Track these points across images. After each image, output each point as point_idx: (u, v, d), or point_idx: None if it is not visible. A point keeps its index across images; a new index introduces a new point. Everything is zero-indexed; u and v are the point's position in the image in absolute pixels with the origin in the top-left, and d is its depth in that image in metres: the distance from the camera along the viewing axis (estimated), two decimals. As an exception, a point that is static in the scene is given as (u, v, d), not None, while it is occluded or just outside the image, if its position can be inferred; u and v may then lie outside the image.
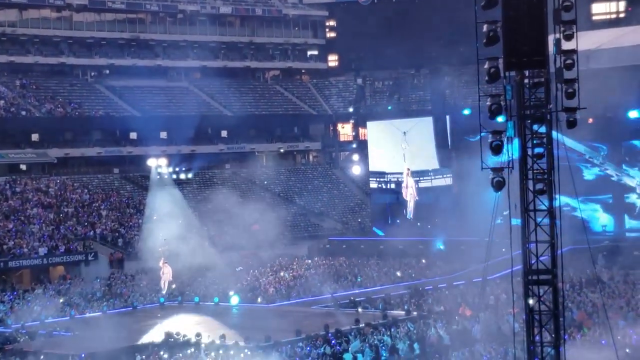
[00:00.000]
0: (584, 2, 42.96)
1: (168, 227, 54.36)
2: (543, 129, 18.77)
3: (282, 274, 51.86)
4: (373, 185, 66.66)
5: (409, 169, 63.14)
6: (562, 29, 18.79)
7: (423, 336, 33.85)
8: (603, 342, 28.89)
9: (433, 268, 52.65)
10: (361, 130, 77.95)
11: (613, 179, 54.90)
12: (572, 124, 19.03)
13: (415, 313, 38.67)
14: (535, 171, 18.72)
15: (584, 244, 28.68)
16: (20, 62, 73.24)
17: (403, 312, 39.14)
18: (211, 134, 77.01)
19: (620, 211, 54.78)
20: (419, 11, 76.42)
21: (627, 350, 28.31)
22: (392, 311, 39.72)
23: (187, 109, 77.00)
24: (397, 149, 63.52)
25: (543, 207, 18.73)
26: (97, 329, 38.29)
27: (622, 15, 65.37)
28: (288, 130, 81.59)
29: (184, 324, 37.64)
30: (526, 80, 18.80)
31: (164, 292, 46.44)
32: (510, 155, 18.82)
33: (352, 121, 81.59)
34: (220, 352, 32.50)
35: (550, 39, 18.66)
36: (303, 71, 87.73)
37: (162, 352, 32.74)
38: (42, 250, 55.64)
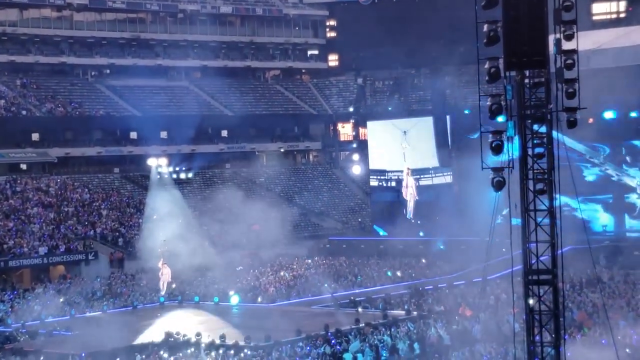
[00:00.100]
0: (584, 2, 42.91)
1: (168, 227, 54.37)
2: (543, 129, 18.77)
3: (282, 273, 51.87)
4: (373, 183, 66.68)
5: (409, 169, 63.20)
6: (562, 28, 18.79)
7: (423, 336, 33.86)
8: (603, 342, 28.90)
9: (433, 268, 52.67)
10: (361, 130, 78.00)
11: (613, 179, 54.93)
12: (572, 124, 19.03)
13: (415, 313, 38.70)
14: (535, 171, 18.72)
15: (585, 244, 28.67)
16: (20, 62, 73.23)
17: (403, 312, 39.17)
18: (211, 133, 77.01)
19: (621, 211, 54.81)
20: (420, 11, 76.38)
21: (627, 350, 28.30)
22: (392, 311, 39.74)
23: (188, 108, 76.99)
24: (397, 148, 63.59)
25: (543, 207, 18.73)
26: (97, 328, 38.30)
27: (622, 15, 65.33)
28: (288, 130, 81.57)
29: (184, 324, 37.66)
30: (526, 80, 18.80)
31: (162, 292, 46.43)
32: (510, 155, 18.81)
33: (352, 121, 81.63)
34: (220, 351, 32.51)
35: (551, 38, 18.66)
36: (303, 71, 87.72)
37: (162, 352, 32.74)
38: (43, 250, 55.65)
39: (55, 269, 55.71)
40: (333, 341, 32.87)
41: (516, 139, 18.77)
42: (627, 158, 54.70)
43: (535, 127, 18.81)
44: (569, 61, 18.77)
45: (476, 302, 37.81)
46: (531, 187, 18.73)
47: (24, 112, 69.29)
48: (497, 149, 18.73)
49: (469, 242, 49.39)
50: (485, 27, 18.53)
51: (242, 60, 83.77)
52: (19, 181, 64.20)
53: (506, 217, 19.07)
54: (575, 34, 18.75)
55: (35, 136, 68.47)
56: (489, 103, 18.77)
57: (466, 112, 59.09)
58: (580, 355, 26.01)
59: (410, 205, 63.39)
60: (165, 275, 46.82)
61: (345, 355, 31.52)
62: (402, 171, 63.55)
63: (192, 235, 57.01)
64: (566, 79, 18.78)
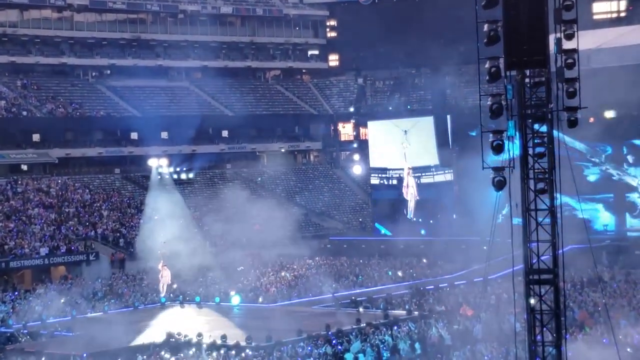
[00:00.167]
0: (584, 2, 42.95)
1: (167, 228, 54.40)
2: (544, 128, 18.76)
3: (283, 273, 51.88)
4: (374, 181, 66.66)
5: (410, 168, 63.18)
6: (563, 28, 18.78)
7: (424, 336, 33.87)
8: (605, 341, 28.90)
9: (434, 268, 52.68)
10: (362, 130, 78.02)
11: (614, 178, 54.93)
12: (573, 123, 19.02)
13: (416, 313, 38.70)
14: (536, 170, 18.71)
15: (586, 244, 28.66)
16: (21, 63, 73.24)
17: (404, 312, 39.16)
18: (212, 134, 77.01)
19: (622, 210, 54.81)
20: (420, 11, 76.35)
21: (629, 350, 28.30)
22: (393, 311, 39.73)
23: (188, 109, 77.01)
24: (398, 148, 63.59)
25: (544, 207, 18.72)
26: (98, 329, 38.31)
27: (623, 14, 65.32)
28: (289, 130, 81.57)
29: (186, 324, 37.66)
30: (527, 80, 18.80)
31: (162, 295, 46.40)
32: (511, 155, 18.79)
33: (352, 121, 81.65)
34: (222, 352, 32.52)
35: (551, 38, 18.65)
36: (304, 71, 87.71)
37: (163, 352, 32.75)
38: (44, 251, 55.66)
39: (56, 270, 55.71)
40: (334, 341, 32.87)
41: (517, 139, 18.78)
42: (628, 157, 54.71)
43: (536, 126, 18.81)
44: (570, 60, 18.77)
45: (477, 301, 37.81)
46: (532, 187, 18.73)
47: (24, 113, 69.31)
48: (498, 149, 18.72)
49: (470, 242, 49.42)
50: (486, 27, 18.53)
51: (242, 60, 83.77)
52: (19, 182, 64.22)
53: (507, 216, 19.06)
54: (576, 33, 18.75)
55: (35, 137, 68.49)
56: (489, 103, 18.76)
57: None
58: (581, 355, 26.00)
59: (411, 205, 63.39)
60: (165, 277, 46.79)
61: (347, 356, 31.52)
62: (402, 169, 63.55)
63: (192, 236, 57.07)
64: (567, 79, 18.78)
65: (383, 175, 65.36)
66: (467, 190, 55.83)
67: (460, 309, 37.81)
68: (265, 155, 79.43)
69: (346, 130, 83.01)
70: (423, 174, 62.79)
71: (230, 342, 33.52)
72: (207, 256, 55.67)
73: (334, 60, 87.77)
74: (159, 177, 63.84)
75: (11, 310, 44.13)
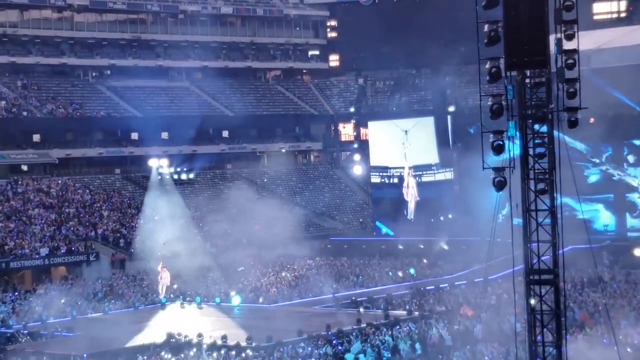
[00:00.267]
0: (585, 2, 42.97)
1: (167, 228, 54.43)
2: (544, 129, 18.77)
3: (283, 274, 51.88)
4: (375, 179, 66.68)
5: (410, 168, 63.17)
6: (563, 28, 18.79)
7: (425, 336, 33.88)
8: (605, 341, 28.91)
9: (434, 268, 52.70)
10: (362, 130, 78.05)
11: (615, 178, 54.94)
12: (573, 124, 19.03)
13: (417, 313, 38.68)
14: (536, 171, 18.72)
15: (586, 244, 28.67)
16: (21, 63, 73.23)
17: (405, 312, 39.14)
18: (212, 134, 77.00)
19: (622, 210, 54.81)
20: (420, 11, 76.35)
21: (629, 350, 28.31)
22: (393, 311, 39.73)
23: (188, 109, 77.02)
24: (398, 148, 63.61)
25: (544, 207, 18.72)
26: (98, 329, 38.32)
27: (623, 14, 65.32)
28: (289, 130, 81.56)
29: (186, 325, 37.66)
30: (527, 80, 18.81)
31: (162, 296, 46.40)
32: (511, 155, 18.79)
33: (353, 121, 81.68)
34: (222, 352, 32.52)
35: (552, 38, 18.65)
36: (304, 71, 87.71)
37: (163, 353, 32.76)
38: (44, 251, 55.67)
39: (56, 270, 55.72)
40: (334, 341, 32.87)
41: (517, 139, 18.78)
42: (629, 157, 54.70)
43: (536, 126, 18.82)
44: (570, 61, 18.78)
45: (478, 302, 37.79)
46: (532, 187, 18.73)
47: (24, 113, 69.31)
48: (498, 149, 18.73)
49: (470, 242, 49.44)
50: (486, 27, 18.54)
51: (242, 60, 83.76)
52: (20, 182, 64.23)
53: (507, 216, 19.06)
54: (576, 33, 18.75)
55: (36, 137, 68.47)
56: (489, 103, 18.77)
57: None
58: (581, 355, 26.01)
59: (411, 206, 63.38)
60: (165, 279, 46.77)
61: (347, 356, 31.52)
62: (403, 168, 63.55)
63: (192, 236, 57.12)
64: (567, 79, 18.78)
65: (384, 174, 65.40)
66: (467, 190, 55.88)
67: (461, 309, 37.82)
68: (265, 156, 79.43)
69: (347, 131, 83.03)
70: (424, 173, 62.82)
71: (231, 342, 33.52)
72: (207, 256, 55.75)
73: (334, 60, 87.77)
74: (159, 177, 63.88)
75: (11, 310, 44.13)
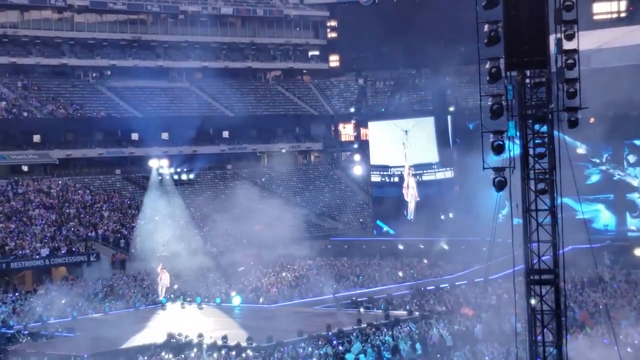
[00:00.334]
0: (585, 2, 42.98)
1: (167, 229, 54.44)
2: (544, 129, 18.77)
3: (284, 274, 51.88)
4: (375, 178, 66.67)
5: (411, 167, 63.14)
6: (563, 28, 18.80)
7: (425, 336, 33.89)
8: (605, 341, 28.92)
9: (435, 268, 52.70)
10: (363, 131, 78.05)
11: (615, 178, 54.94)
12: (573, 124, 19.04)
13: (417, 313, 38.69)
14: (536, 171, 18.72)
15: (586, 244, 28.67)
16: (21, 63, 73.22)
17: (405, 312, 39.15)
18: (212, 134, 76.99)
19: (622, 210, 54.82)
20: (420, 11, 76.37)
21: (629, 350, 28.32)
22: (394, 311, 39.73)
23: (189, 109, 77.03)
24: (398, 148, 63.61)
25: (545, 207, 18.72)
26: (99, 329, 38.33)
27: (623, 14, 65.33)
28: (289, 130, 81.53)
29: (186, 325, 37.66)
30: (527, 80, 18.82)
31: (161, 298, 46.41)
32: (511, 155, 18.78)
33: (353, 121, 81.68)
34: (223, 352, 32.53)
35: (552, 38, 18.66)
36: (304, 71, 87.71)
37: (164, 353, 32.77)
38: (44, 252, 55.69)
39: (57, 271, 55.74)
40: (335, 342, 32.88)
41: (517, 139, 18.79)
42: (629, 157, 54.70)
43: (537, 127, 18.82)
44: (570, 61, 18.79)
45: (478, 302, 37.81)
46: (532, 187, 18.74)
47: (25, 114, 69.32)
48: (499, 149, 18.73)
49: (470, 242, 49.44)
50: (486, 27, 18.55)
51: (243, 61, 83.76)
52: (20, 183, 64.25)
53: (507, 216, 19.07)
54: (576, 33, 18.76)
55: (36, 138, 68.45)
56: (490, 103, 18.78)
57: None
58: (582, 355, 26.01)
59: (411, 207, 63.36)
60: (164, 280, 46.76)
61: (348, 356, 31.54)
62: (404, 166, 63.54)
63: (193, 236, 57.15)
64: (567, 79, 18.79)
65: (385, 173, 65.40)
66: (467, 190, 55.89)
67: (461, 309, 37.84)
68: (266, 156, 79.44)
69: (347, 131, 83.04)
70: (425, 171, 62.83)
71: (231, 342, 33.52)
72: (207, 257, 55.77)
73: (334, 60, 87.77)
74: (160, 177, 63.89)
75: (12, 311, 44.13)
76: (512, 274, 19.90)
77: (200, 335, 34.18)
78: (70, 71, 76.26)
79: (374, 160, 66.56)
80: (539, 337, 18.72)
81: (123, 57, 77.60)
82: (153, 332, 37.26)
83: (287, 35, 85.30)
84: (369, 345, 32.63)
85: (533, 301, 18.72)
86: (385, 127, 66.26)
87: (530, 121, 18.82)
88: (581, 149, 53.91)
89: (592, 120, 50.48)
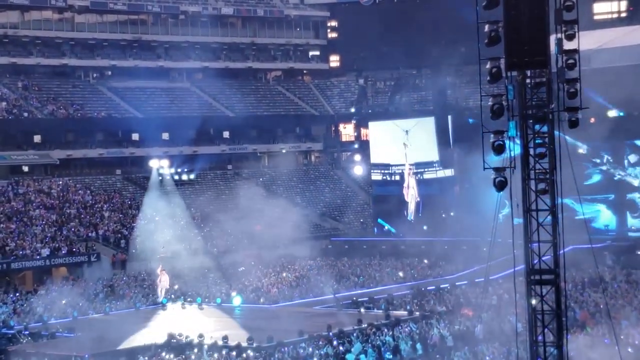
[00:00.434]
0: (585, 2, 42.96)
1: (167, 229, 54.44)
2: (545, 129, 18.77)
3: (284, 274, 51.89)
4: (376, 177, 66.64)
5: (411, 165, 63.11)
6: (563, 28, 18.79)
7: (426, 336, 33.90)
8: (606, 341, 28.93)
9: (435, 268, 52.70)
10: (363, 131, 78.06)
11: (615, 178, 54.94)
12: (574, 124, 19.03)
13: (417, 313, 38.70)
14: (537, 171, 18.72)
15: (586, 244, 28.67)
16: (22, 64, 73.22)
17: (405, 313, 39.16)
18: (213, 134, 77.00)
19: (623, 210, 54.83)
20: (420, 11, 76.41)
21: (630, 350, 28.33)
22: (394, 311, 39.74)
23: (189, 109, 77.04)
24: (399, 148, 63.60)
25: (545, 207, 18.72)
26: (100, 330, 38.34)
27: (623, 14, 65.35)
28: (290, 130, 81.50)
29: (187, 325, 37.67)
30: (528, 80, 18.80)
31: (160, 299, 46.43)
32: (512, 155, 18.77)
33: (353, 121, 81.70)
34: (223, 353, 32.54)
35: (552, 38, 18.66)
36: (305, 72, 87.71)
37: (164, 353, 32.77)
38: (45, 252, 55.69)
39: (57, 271, 55.76)
40: (335, 342, 32.89)
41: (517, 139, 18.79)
42: (630, 157, 54.71)
43: (537, 127, 18.81)
44: (570, 61, 18.78)
45: (478, 302, 37.82)
46: (533, 187, 18.73)
47: (25, 114, 69.33)
48: (499, 149, 18.73)
49: (471, 242, 49.44)
50: (487, 27, 18.54)
51: (243, 61, 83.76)
52: (21, 183, 64.26)
53: (508, 216, 19.06)
54: (577, 33, 18.76)
55: (37, 138, 68.46)
56: (490, 103, 18.77)
57: (470, 121, 58.80)
58: (582, 355, 26.02)
59: (411, 207, 63.33)
60: (164, 282, 46.78)
61: (348, 356, 31.55)
62: (404, 165, 63.52)
63: (193, 237, 57.16)
64: (567, 79, 18.78)
65: (386, 171, 65.38)
66: (468, 190, 55.91)
67: (462, 309, 37.85)
68: (266, 156, 79.45)
69: (347, 131, 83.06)
70: (426, 170, 62.83)
71: (232, 343, 33.53)
72: (208, 257, 55.79)
73: (334, 61, 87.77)
74: (160, 178, 63.91)
75: (12, 311, 44.15)
76: (513, 274, 19.90)
77: (200, 336, 34.19)
78: (71, 71, 76.27)
79: (375, 158, 66.54)
80: (540, 337, 18.71)
81: (123, 58, 77.61)
82: (154, 332, 37.27)
83: (288, 36, 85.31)
84: (370, 345, 32.65)
85: (534, 301, 18.71)
86: (386, 127, 66.27)
87: (531, 121, 18.81)
88: (582, 149, 53.92)
89: (592, 120, 50.50)
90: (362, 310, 41.00)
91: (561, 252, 18.73)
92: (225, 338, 33.93)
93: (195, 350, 33.10)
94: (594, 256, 30.81)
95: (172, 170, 66.13)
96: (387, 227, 64.98)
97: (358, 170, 74.91)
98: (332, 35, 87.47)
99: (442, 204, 60.56)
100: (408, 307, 40.34)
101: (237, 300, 45.34)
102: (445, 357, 31.42)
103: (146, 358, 32.55)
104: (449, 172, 61.96)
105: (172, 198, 60.84)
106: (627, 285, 42.08)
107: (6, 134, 67.18)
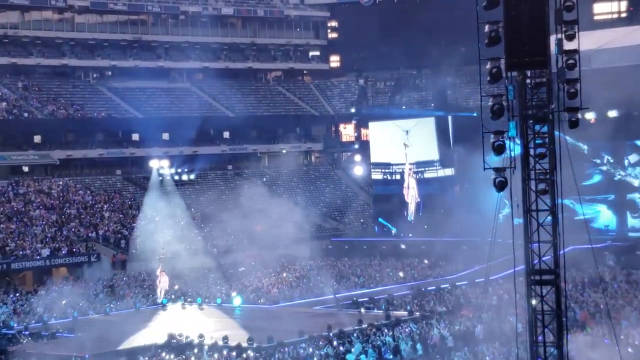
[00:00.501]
0: (585, 2, 42.97)
1: (167, 229, 54.42)
2: (545, 129, 18.76)
3: (284, 274, 51.89)
4: (377, 176, 66.63)
5: (411, 165, 63.09)
6: (563, 28, 18.78)
7: (426, 337, 33.90)
8: (606, 341, 28.92)
9: (435, 268, 52.70)
10: (363, 131, 78.08)
11: (616, 178, 54.95)
12: (574, 124, 19.02)
13: (417, 313, 38.71)
14: (537, 171, 18.71)
15: (587, 244, 28.67)
16: (22, 64, 73.23)
17: (406, 313, 39.16)
18: (213, 135, 77.00)
19: (623, 210, 54.83)
20: (421, 11, 76.42)
21: (630, 350, 28.33)
22: (395, 312, 39.74)
23: (189, 110, 77.03)
24: (399, 148, 63.60)
25: (545, 207, 18.71)
26: (100, 330, 38.33)
27: (623, 15, 65.36)
28: (290, 131, 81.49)
29: (187, 325, 37.67)
30: (528, 80, 18.80)
31: (159, 300, 46.43)
32: (512, 155, 18.77)
33: (354, 122, 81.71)
34: (224, 353, 32.54)
35: (552, 39, 18.65)
36: (305, 72, 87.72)
37: (164, 354, 32.78)
38: (45, 252, 55.69)
39: (57, 271, 55.76)
40: (336, 342, 32.89)
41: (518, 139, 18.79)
42: (630, 157, 54.72)
43: (537, 127, 18.81)
44: (571, 61, 18.77)
45: (479, 302, 37.82)
46: (533, 187, 18.73)
47: (25, 115, 69.33)
48: (499, 150, 18.72)
49: (471, 242, 49.43)
50: (487, 28, 18.54)
51: (243, 61, 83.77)
52: (21, 183, 64.26)
53: (508, 216, 19.06)
54: (577, 33, 18.76)
55: (37, 138, 68.45)
56: (490, 103, 18.77)
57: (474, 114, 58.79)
58: (582, 355, 26.02)
59: (412, 208, 63.30)
60: (163, 283, 46.81)
61: (348, 356, 31.55)
62: (404, 164, 63.50)
63: (193, 237, 57.15)
64: (568, 79, 18.77)
65: (386, 170, 65.38)
66: (468, 190, 55.90)
67: (462, 309, 37.85)
68: (266, 156, 79.47)
69: (347, 131, 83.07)
70: (426, 169, 62.84)
71: (232, 343, 33.53)
72: (208, 257, 55.79)
73: (335, 61, 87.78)
74: (160, 178, 63.91)
75: (13, 311, 44.16)
76: (513, 274, 19.89)
77: (201, 336, 34.20)
78: (71, 72, 76.27)
79: (375, 158, 66.54)
80: (540, 338, 18.70)
81: (124, 58, 77.62)
82: (154, 332, 37.28)
83: (288, 36, 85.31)
84: (370, 345, 32.65)
85: (534, 301, 18.71)
86: (386, 128, 66.25)
87: (531, 121, 18.80)
88: (582, 149, 53.92)
89: (592, 120, 50.49)
90: (363, 310, 41.01)
91: (561, 252, 18.73)
92: (225, 338, 33.94)
93: (196, 350, 33.11)
94: (594, 256, 30.80)
95: (172, 171, 66.14)
96: (387, 226, 64.93)
97: (358, 171, 74.91)
98: (332, 35, 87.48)
99: (442, 203, 60.54)
100: (408, 308, 40.34)
101: (237, 301, 45.35)
102: (445, 358, 31.43)
103: (146, 358, 32.56)
104: (449, 172, 61.98)
105: (172, 198, 60.84)
106: (627, 285, 42.09)
107: (6, 134, 67.19)
